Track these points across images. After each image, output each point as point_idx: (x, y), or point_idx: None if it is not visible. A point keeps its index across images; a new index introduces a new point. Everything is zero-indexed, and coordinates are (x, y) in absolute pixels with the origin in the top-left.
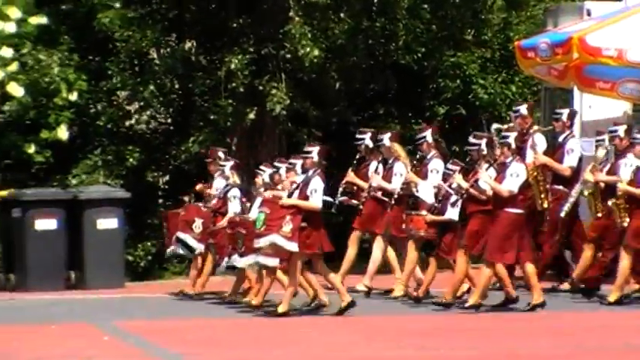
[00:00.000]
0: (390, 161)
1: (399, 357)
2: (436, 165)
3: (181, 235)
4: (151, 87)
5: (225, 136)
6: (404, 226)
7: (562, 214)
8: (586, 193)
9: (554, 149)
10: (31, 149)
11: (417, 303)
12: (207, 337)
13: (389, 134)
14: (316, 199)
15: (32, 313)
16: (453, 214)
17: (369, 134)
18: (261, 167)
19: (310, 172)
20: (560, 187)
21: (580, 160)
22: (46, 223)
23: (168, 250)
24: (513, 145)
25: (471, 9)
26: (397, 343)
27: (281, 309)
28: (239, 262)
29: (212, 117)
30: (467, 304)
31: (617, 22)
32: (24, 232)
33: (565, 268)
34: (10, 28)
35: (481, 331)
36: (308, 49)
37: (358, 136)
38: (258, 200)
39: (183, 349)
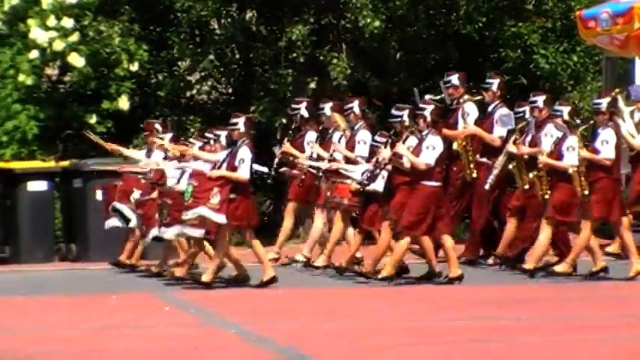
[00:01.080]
0: (330, 131)
1: (463, 326)
2: (363, 136)
3: (118, 205)
4: (212, 57)
5: (286, 106)
6: (329, 194)
7: (486, 187)
8: (511, 166)
9: (484, 119)
10: (93, 120)
11: (340, 274)
12: (266, 307)
13: (330, 104)
14: (244, 170)
15: (93, 283)
16: (377, 185)
17: (305, 104)
18: (191, 140)
19: (238, 143)
20: (484, 160)
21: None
22: None
23: (107, 223)
24: (429, 118)
25: None
26: (458, 312)
27: (205, 278)
28: (166, 233)
29: (273, 87)
30: (380, 276)
31: None
32: (85, 203)
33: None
34: None
35: (540, 300)
36: (369, 20)
37: (294, 105)
38: (188, 172)
39: (241, 318)
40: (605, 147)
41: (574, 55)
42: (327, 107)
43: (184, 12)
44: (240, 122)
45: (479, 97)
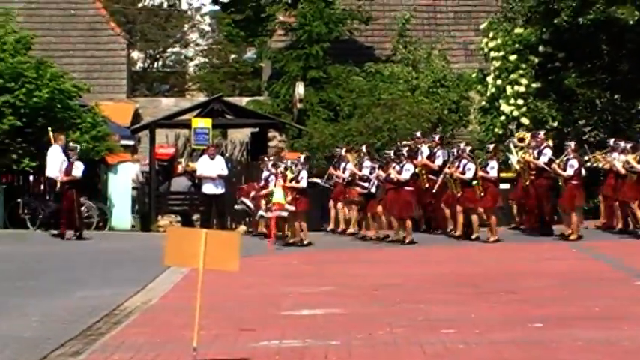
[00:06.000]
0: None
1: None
2: (367, 164)
3: (244, 199)
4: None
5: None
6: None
7: (434, 190)
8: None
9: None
10: None
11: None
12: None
13: (345, 149)
14: (302, 183)
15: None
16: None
17: (344, 149)
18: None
19: (300, 167)
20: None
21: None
22: None
23: (236, 207)
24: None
25: None
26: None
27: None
28: (268, 214)
29: None
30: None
31: None
32: None
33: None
34: (521, 88)
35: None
36: None
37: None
38: (273, 181)
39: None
40: (491, 171)
41: None
42: (344, 151)
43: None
44: (302, 157)
45: (429, 144)
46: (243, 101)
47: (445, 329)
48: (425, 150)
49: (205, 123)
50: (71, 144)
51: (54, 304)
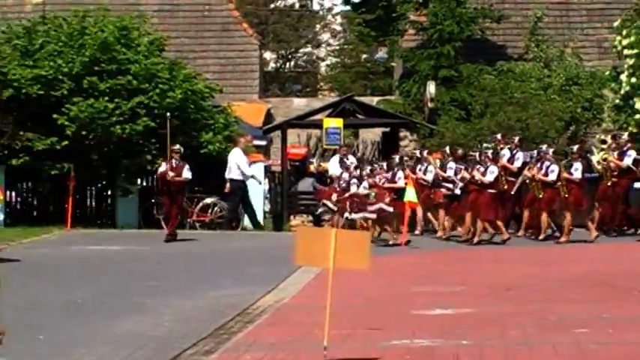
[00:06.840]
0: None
1: None
2: (451, 165)
3: (325, 202)
4: None
5: None
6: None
7: (512, 192)
8: (527, 180)
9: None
10: None
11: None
12: None
13: (426, 151)
14: (400, 183)
15: None
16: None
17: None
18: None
19: (395, 169)
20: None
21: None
22: None
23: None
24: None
25: None
26: None
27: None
28: (354, 216)
29: None
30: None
31: None
32: None
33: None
34: None
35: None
36: None
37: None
38: (365, 183)
39: None
40: (575, 172)
41: None
42: (425, 152)
43: None
44: (396, 158)
45: (509, 145)
46: (374, 101)
47: (578, 329)
48: (506, 152)
49: (337, 123)
50: (177, 146)
51: (186, 304)
